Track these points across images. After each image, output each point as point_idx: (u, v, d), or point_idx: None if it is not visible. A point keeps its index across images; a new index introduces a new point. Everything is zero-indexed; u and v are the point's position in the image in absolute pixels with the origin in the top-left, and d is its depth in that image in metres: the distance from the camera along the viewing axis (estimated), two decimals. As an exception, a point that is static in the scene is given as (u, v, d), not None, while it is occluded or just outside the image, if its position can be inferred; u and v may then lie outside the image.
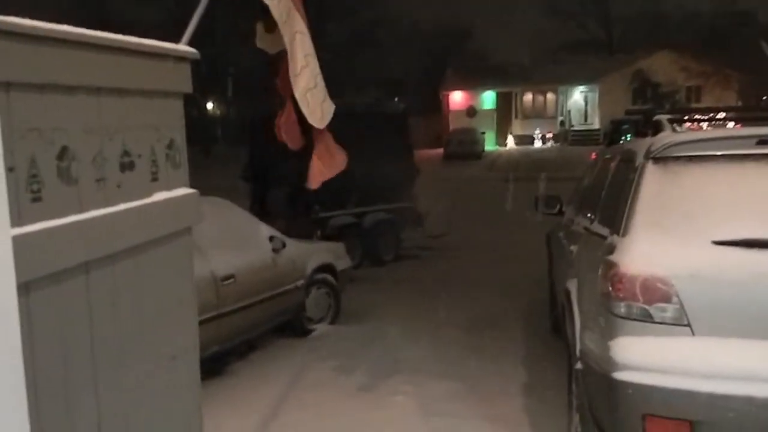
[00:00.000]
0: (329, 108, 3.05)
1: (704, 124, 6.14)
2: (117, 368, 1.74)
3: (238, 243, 5.48)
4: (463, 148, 30.06)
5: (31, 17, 1.49)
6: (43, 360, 1.48)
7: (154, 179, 1.96)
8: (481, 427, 4.11)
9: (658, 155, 3.26)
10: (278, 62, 2.97)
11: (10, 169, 1.35)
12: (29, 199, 1.45)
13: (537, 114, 35.77)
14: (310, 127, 3.07)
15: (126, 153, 1.81)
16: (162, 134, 2.01)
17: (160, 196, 1.96)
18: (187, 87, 2.13)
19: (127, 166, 1.82)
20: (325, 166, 3.21)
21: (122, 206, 1.76)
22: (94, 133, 1.68)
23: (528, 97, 36.07)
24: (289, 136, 3.07)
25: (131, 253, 1.80)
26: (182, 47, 2.13)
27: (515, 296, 7.38)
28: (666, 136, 3.42)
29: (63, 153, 1.57)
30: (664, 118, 3.74)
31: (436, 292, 7.76)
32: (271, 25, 2.73)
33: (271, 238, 5.84)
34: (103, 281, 1.70)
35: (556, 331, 5.61)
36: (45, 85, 1.52)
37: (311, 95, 2.89)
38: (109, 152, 1.74)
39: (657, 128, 3.65)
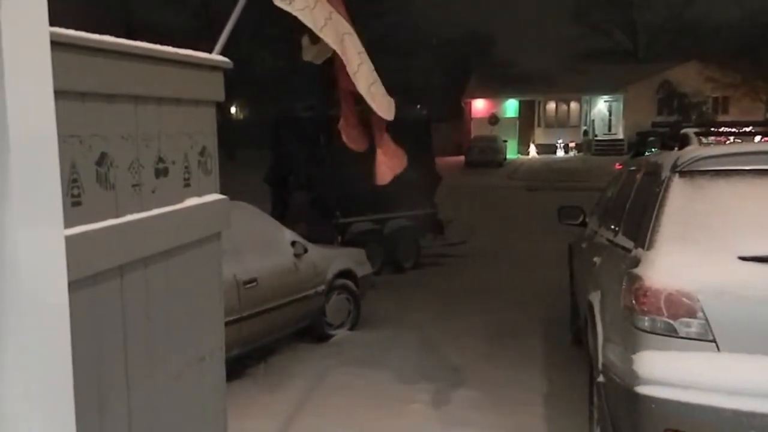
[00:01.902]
0: (391, 101, 3.07)
1: (731, 138, 6.07)
2: (148, 369, 1.78)
3: (261, 247, 5.54)
4: (485, 156, 29.98)
5: (59, 23, 1.54)
6: (77, 360, 1.53)
7: (187, 185, 2.01)
8: (500, 438, 4.10)
9: (684, 169, 3.24)
10: (331, 67, 3.01)
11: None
12: (70, 204, 1.50)
13: (560, 123, 35.55)
14: (370, 125, 3.11)
15: (161, 159, 1.86)
16: (195, 141, 2.05)
17: (192, 201, 2.00)
18: (220, 95, 2.18)
19: (161, 173, 1.86)
20: (391, 162, 3.24)
21: (156, 211, 1.80)
22: (131, 140, 1.73)
23: (551, 105, 35.88)
24: (351, 138, 3.10)
25: (164, 256, 1.85)
26: (216, 57, 2.18)
27: (535, 306, 7.35)
28: (693, 150, 3.41)
29: (102, 159, 1.62)
30: (691, 131, 3.72)
31: (456, 301, 7.76)
32: (316, 37, 2.76)
33: (294, 243, 5.89)
34: (137, 284, 1.74)
35: (577, 342, 5.58)
36: (86, 93, 1.57)
37: (375, 88, 2.91)
38: (145, 159, 1.79)
39: (684, 141, 3.63)
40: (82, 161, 1.56)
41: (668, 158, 3.48)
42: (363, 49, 2.95)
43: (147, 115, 1.78)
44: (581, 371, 4.70)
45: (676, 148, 3.73)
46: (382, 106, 3.04)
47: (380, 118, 3.10)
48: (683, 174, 3.24)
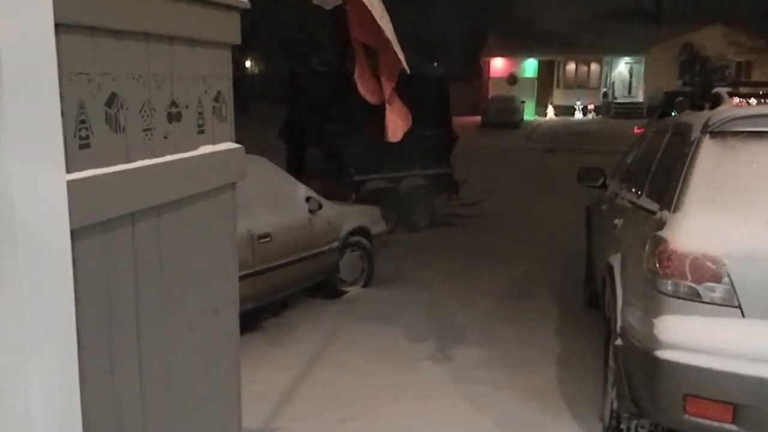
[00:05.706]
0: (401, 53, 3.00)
1: (753, 100, 5.85)
2: (160, 320, 1.74)
3: (276, 202, 5.48)
4: (501, 116, 29.55)
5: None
6: (86, 309, 1.48)
7: (201, 132, 1.93)
8: (512, 397, 4.08)
9: (716, 129, 3.11)
10: (345, 16, 2.89)
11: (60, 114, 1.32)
12: (78, 146, 1.43)
13: (579, 84, 34.82)
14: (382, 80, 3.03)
15: (174, 103, 1.78)
16: (209, 86, 1.96)
17: (206, 149, 1.93)
18: (236, 38, 2.08)
19: (174, 117, 1.78)
20: (401, 120, 3.15)
21: (169, 158, 1.73)
22: (142, 81, 1.64)
23: (571, 66, 35.08)
24: (367, 89, 3.01)
25: (176, 205, 1.78)
26: (232, -4, 2.06)
27: (549, 268, 7.29)
28: (726, 110, 3.26)
29: (111, 100, 1.54)
30: (723, 90, 3.56)
31: (470, 261, 7.71)
32: None
33: (308, 199, 5.83)
34: (149, 233, 1.68)
35: (591, 305, 5.53)
36: (95, 27, 1.48)
37: (395, 43, 2.82)
38: (157, 102, 1.71)
39: (716, 101, 3.48)
40: (91, 101, 1.48)
41: (699, 118, 3.35)
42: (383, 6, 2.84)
43: (159, 54, 1.68)
44: (595, 334, 4.65)
45: (706, 108, 3.58)
46: (402, 55, 2.96)
47: (389, 75, 3.01)
48: (714, 134, 3.11)
